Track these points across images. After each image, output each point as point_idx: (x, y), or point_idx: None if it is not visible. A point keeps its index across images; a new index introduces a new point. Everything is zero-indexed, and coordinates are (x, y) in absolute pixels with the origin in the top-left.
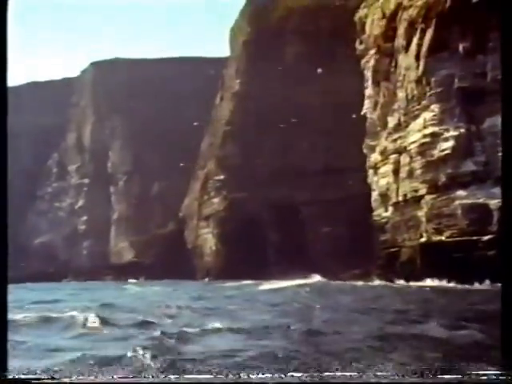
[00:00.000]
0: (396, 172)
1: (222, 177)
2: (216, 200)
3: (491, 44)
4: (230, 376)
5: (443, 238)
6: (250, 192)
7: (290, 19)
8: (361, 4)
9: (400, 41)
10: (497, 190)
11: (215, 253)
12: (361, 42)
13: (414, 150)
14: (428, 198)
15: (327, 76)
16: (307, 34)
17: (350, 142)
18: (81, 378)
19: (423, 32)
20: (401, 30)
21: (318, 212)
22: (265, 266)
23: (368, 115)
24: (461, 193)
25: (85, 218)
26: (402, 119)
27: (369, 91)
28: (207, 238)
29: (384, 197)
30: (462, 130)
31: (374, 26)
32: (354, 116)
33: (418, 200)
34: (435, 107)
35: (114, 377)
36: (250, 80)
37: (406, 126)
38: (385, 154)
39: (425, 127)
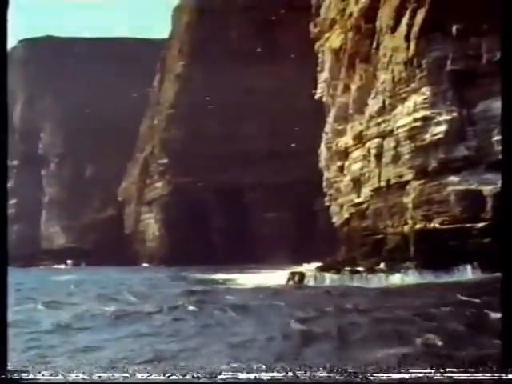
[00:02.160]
0: (378, 157)
1: (165, 161)
2: (159, 184)
3: (486, 26)
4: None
5: (437, 225)
6: (195, 176)
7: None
8: None
9: (385, 21)
10: (490, 176)
11: (159, 238)
12: (315, 25)
13: (403, 134)
14: (415, 183)
15: (274, 59)
16: (252, 16)
17: (296, 126)
18: (81, 377)
19: (414, 12)
20: (387, 10)
21: (262, 197)
22: (209, 252)
23: (324, 99)
24: (453, 178)
25: (14, 201)
26: (387, 102)
27: (325, 75)
28: (150, 223)
29: (356, 182)
30: (455, 114)
31: (330, 8)
32: (300, 99)
33: (402, 186)
34: (426, 90)
35: (115, 376)
36: (194, 62)
37: (392, 110)
38: (360, 138)
39: (415, 111)
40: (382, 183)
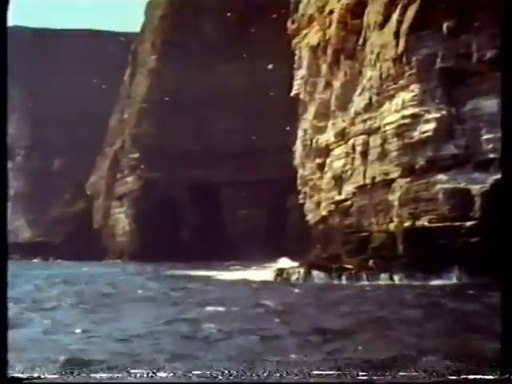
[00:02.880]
0: (364, 154)
1: (136, 155)
2: (130, 179)
3: (477, 24)
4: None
5: (425, 223)
6: (166, 172)
7: None
8: None
9: (373, 17)
10: (478, 175)
11: (129, 233)
12: (293, 22)
13: (391, 131)
14: (402, 181)
15: (248, 55)
16: (227, 11)
17: (270, 124)
18: (81, 377)
19: (404, 8)
20: (375, 6)
21: (235, 194)
22: (180, 248)
23: (301, 96)
24: (441, 177)
25: None
26: (374, 99)
27: (302, 72)
28: (120, 218)
29: (338, 179)
30: (444, 112)
31: (309, 5)
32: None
33: (388, 183)
34: (415, 87)
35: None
36: (167, 56)
37: (379, 107)
38: (342, 135)
39: (403, 108)
40: (367, 180)
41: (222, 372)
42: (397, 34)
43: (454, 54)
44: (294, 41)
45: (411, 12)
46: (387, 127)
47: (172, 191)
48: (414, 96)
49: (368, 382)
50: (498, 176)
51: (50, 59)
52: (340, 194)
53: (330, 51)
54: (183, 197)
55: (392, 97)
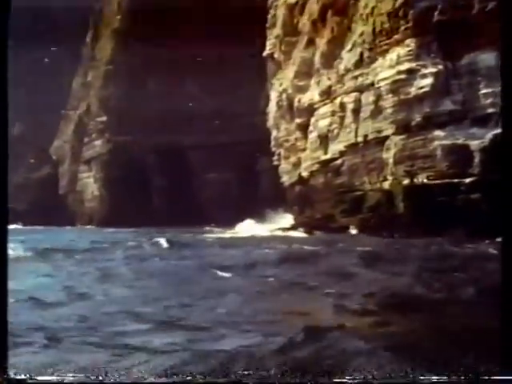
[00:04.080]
0: (356, 112)
1: (104, 118)
2: (98, 142)
3: None
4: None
5: (425, 180)
6: (135, 135)
7: None
8: None
9: None
10: (476, 131)
11: (98, 198)
12: None
13: (385, 87)
14: (396, 138)
15: (214, 14)
16: None
17: (238, 85)
18: (82, 378)
19: None
20: None
21: (205, 157)
22: (151, 212)
23: (276, 55)
24: (439, 133)
25: None
26: (366, 55)
27: (276, 31)
28: (88, 183)
29: (324, 139)
30: (440, 67)
31: None
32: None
33: (381, 141)
34: (411, 42)
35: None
36: (133, 16)
37: (371, 63)
38: (328, 93)
39: (398, 63)
40: (360, 139)
41: None
42: None
43: (454, 6)
44: None
45: None
46: (381, 83)
47: (141, 155)
48: (410, 51)
49: None
50: (497, 131)
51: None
52: (326, 153)
53: (316, 7)
54: (152, 160)
55: (385, 52)
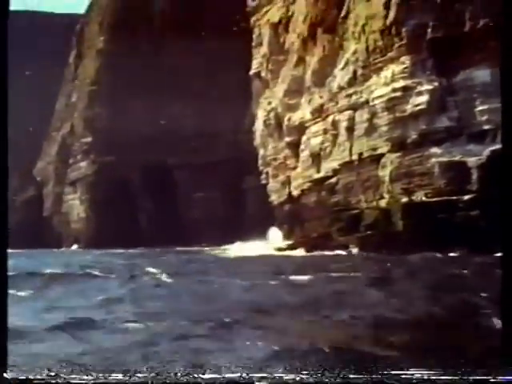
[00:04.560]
0: (350, 130)
1: (89, 139)
2: (83, 164)
3: None
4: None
5: (424, 198)
6: (120, 156)
7: None
8: None
9: None
10: (472, 147)
11: (85, 220)
12: None
13: (380, 105)
14: (392, 156)
15: (199, 36)
16: None
17: (223, 104)
18: (82, 377)
19: None
20: None
21: (190, 176)
22: (137, 233)
23: (262, 74)
24: (436, 150)
25: None
26: (359, 73)
27: (263, 49)
28: (74, 204)
29: (316, 157)
30: (436, 84)
31: None
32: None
33: (376, 159)
34: (405, 59)
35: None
36: (117, 37)
37: (365, 80)
38: (320, 111)
39: (393, 80)
40: (354, 157)
41: None
42: (386, 5)
43: (446, 24)
44: (253, 18)
45: None
46: (376, 101)
47: (127, 175)
48: (405, 68)
49: None
50: (494, 147)
51: None
52: (319, 171)
53: (304, 26)
54: (138, 180)
55: (380, 70)
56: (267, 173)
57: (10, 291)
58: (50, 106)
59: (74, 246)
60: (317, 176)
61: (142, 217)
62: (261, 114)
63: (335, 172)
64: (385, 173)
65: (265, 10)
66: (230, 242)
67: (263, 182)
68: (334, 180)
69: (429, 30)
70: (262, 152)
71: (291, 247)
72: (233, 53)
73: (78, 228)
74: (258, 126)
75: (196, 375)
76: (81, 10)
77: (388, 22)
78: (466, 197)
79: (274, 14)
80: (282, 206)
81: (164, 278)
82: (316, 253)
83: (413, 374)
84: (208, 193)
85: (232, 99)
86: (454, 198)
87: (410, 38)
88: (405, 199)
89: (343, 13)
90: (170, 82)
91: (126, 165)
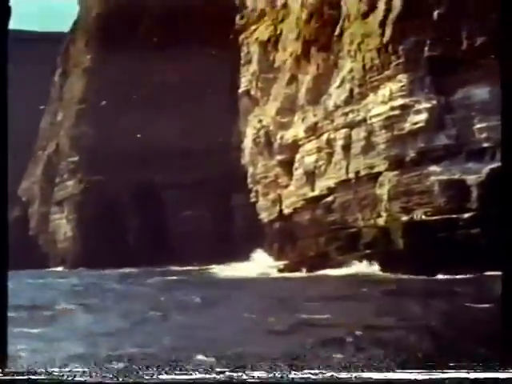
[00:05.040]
0: (346, 148)
1: (76, 158)
2: (70, 183)
3: (468, 10)
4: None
5: (424, 216)
6: (107, 175)
7: None
8: None
9: (354, 7)
10: (472, 165)
11: (72, 239)
12: (242, 17)
13: (378, 123)
14: (390, 174)
15: (185, 53)
16: (164, 11)
17: (209, 122)
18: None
19: None
20: None
21: (178, 195)
22: (125, 253)
23: (252, 92)
24: (435, 168)
25: None
26: (356, 91)
27: (253, 67)
28: (61, 224)
29: (310, 175)
30: (434, 102)
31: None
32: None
33: (374, 177)
34: (403, 77)
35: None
36: (104, 56)
37: (362, 99)
38: (314, 130)
39: (391, 99)
40: (351, 175)
41: None
42: (382, 23)
43: (443, 42)
44: (241, 36)
45: (398, 0)
46: (373, 119)
47: (114, 194)
48: (403, 86)
49: None
50: (494, 165)
51: None
52: (313, 190)
53: (297, 44)
54: (126, 199)
55: (377, 88)
56: (257, 191)
57: None
58: (34, 124)
59: (60, 268)
60: (311, 194)
61: (129, 236)
62: (250, 132)
63: (331, 190)
64: (382, 191)
65: (253, 28)
66: (220, 261)
67: (252, 199)
68: (330, 198)
69: (426, 48)
70: (251, 170)
71: (289, 268)
72: (220, 70)
73: (65, 247)
74: (247, 143)
75: None
76: (65, 28)
77: (385, 40)
78: (466, 215)
79: (263, 32)
80: (272, 224)
81: None
82: (319, 273)
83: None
84: (196, 211)
85: (219, 117)
86: (455, 216)
87: (407, 56)
88: (405, 217)
89: (337, 31)
90: (158, 99)
91: (113, 184)
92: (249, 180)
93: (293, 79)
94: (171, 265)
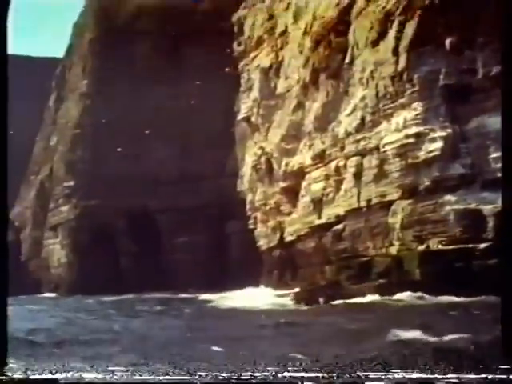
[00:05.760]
0: (357, 176)
1: (71, 183)
2: (65, 208)
3: (481, 39)
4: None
5: (440, 246)
6: (103, 200)
7: (138, 18)
8: (240, 4)
9: (363, 34)
10: (487, 195)
11: (66, 265)
12: (239, 44)
13: (391, 151)
14: (404, 203)
15: (182, 79)
16: (157, 35)
17: (206, 148)
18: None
19: (402, 25)
20: (363, 23)
21: (173, 221)
22: (120, 279)
23: (253, 119)
24: (450, 197)
25: None
26: (368, 119)
27: (254, 94)
28: (54, 249)
29: (318, 203)
30: (449, 130)
31: (255, 27)
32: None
33: (386, 206)
34: (418, 105)
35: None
36: (99, 81)
37: (374, 126)
38: (321, 157)
39: (405, 127)
40: (362, 203)
41: None
42: (395, 51)
43: (458, 71)
44: (241, 63)
45: (410, 28)
46: (387, 147)
47: (110, 219)
48: (417, 114)
49: None
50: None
51: None
52: (320, 217)
53: (306, 71)
54: (121, 225)
55: (390, 116)
56: (255, 217)
57: None
58: (27, 148)
59: (51, 294)
60: (318, 222)
61: (124, 262)
62: (249, 159)
63: (339, 218)
64: (395, 220)
65: (252, 55)
66: (216, 289)
67: (251, 226)
68: (340, 226)
69: (441, 77)
70: (250, 197)
71: (304, 298)
72: (217, 96)
73: (59, 273)
74: (246, 170)
75: None
76: (59, 53)
77: (399, 68)
78: (483, 245)
79: (264, 59)
80: (271, 252)
81: None
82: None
83: None
84: (192, 237)
85: (215, 143)
86: (471, 246)
87: (422, 84)
88: (420, 247)
89: (348, 59)
90: (154, 125)
91: (109, 209)
92: (247, 207)
93: (299, 106)
94: (166, 292)
